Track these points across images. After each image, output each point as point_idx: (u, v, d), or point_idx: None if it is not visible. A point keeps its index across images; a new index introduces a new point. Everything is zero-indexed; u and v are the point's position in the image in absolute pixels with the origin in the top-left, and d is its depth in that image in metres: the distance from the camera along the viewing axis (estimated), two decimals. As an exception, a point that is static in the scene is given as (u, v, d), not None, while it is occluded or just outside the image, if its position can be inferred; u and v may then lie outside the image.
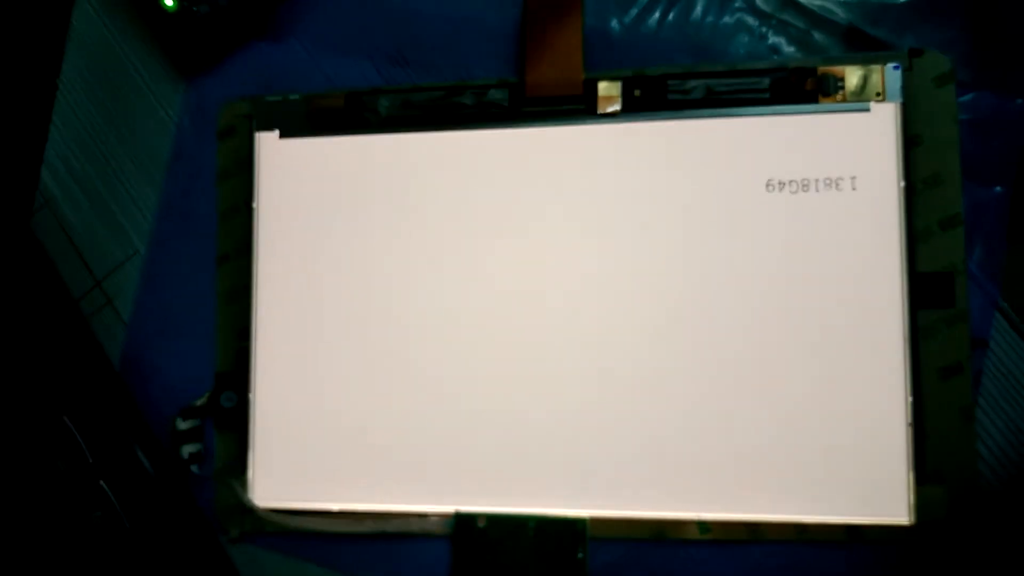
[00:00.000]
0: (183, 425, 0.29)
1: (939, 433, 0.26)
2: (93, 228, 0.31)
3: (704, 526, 0.26)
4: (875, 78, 0.27)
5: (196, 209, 0.30)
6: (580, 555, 0.26)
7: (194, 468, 0.29)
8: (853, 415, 0.26)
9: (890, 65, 0.27)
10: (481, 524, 0.27)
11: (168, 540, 0.28)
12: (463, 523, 0.27)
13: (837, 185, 0.27)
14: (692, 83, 0.28)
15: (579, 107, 0.28)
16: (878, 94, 0.27)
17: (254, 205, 0.30)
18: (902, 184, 0.26)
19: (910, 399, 0.26)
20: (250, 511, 0.28)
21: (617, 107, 0.28)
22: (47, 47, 0.32)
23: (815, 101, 0.27)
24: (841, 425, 0.26)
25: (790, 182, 0.27)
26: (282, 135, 0.30)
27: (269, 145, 0.30)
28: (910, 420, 0.25)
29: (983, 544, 0.25)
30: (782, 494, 0.26)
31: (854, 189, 0.27)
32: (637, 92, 0.28)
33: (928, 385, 0.26)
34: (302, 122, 0.30)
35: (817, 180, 0.27)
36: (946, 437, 0.26)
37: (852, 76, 0.27)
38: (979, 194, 0.26)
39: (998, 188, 0.26)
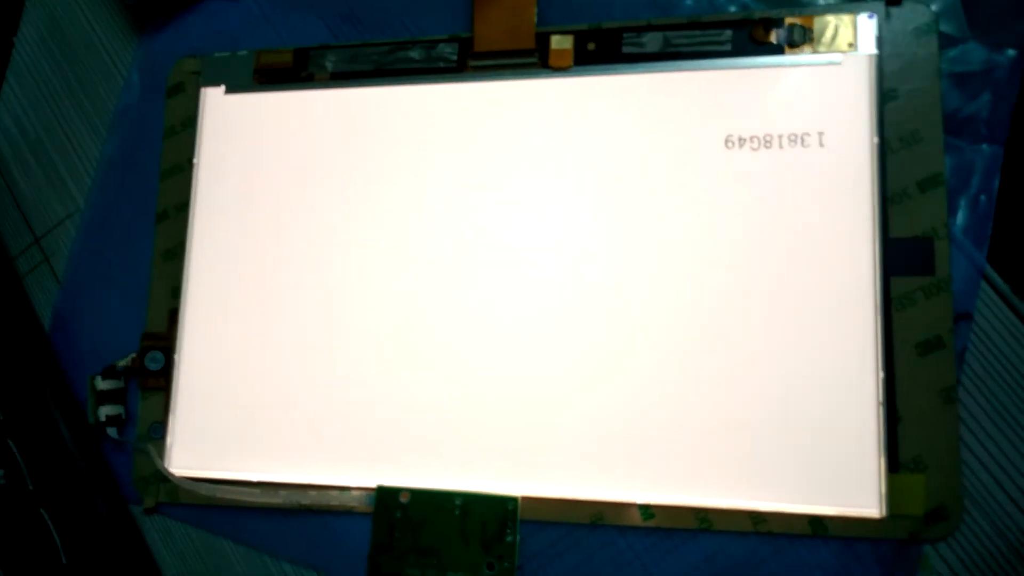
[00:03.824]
0: (103, 385, 0.27)
1: (916, 416, 0.23)
2: (38, 186, 0.31)
3: (647, 511, 0.24)
4: (847, 28, 0.25)
5: (139, 166, 0.29)
6: (509, 537, 0.24)
7: (111, 431, 0.27)
8: (817, 392, 0.23)
9: (864, 14, 0.25)
10: (404, 499, 0.24)
11: (74, 506, 0.26)
12: (385, 498, 0.25)
13: (803, 141, 0.24)
14: (648, 36, 0.26)
15: (531, 61, 0.27)
16: (850, 45, 0.25)
17: (195, 161, 0.29)
18: (875, 140, 0.24)
19: (882, 375, 0.23)
20: (167, 480, 0.26)
21: (570, 62, 0.26)
22: (6, 4, 0.32)
23: (781, 53, 0.25)
24: (804, 403, 0.23)
25: (751, 138, 0.25)
26: (228, 91, 0.29)
27: (214, 101, 0.29)
28: (882, 399, 0.23)
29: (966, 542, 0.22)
30: (736, 478, 0.23)
31: (821, 146, 0.24)
32: (591, 46, 0.26)
33: (903, 361, 0.23)
34: (249, 78, 0.29)
35: (780, 136, 0.25)
36: (924, 420, 0.23)
37: (822, 26, 0.25)
38: (965, 153, 0.24)
39: (985, 147, 0.24)
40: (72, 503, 0.26)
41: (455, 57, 0.27)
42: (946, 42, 0.25)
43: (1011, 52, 0.24)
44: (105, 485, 0.26)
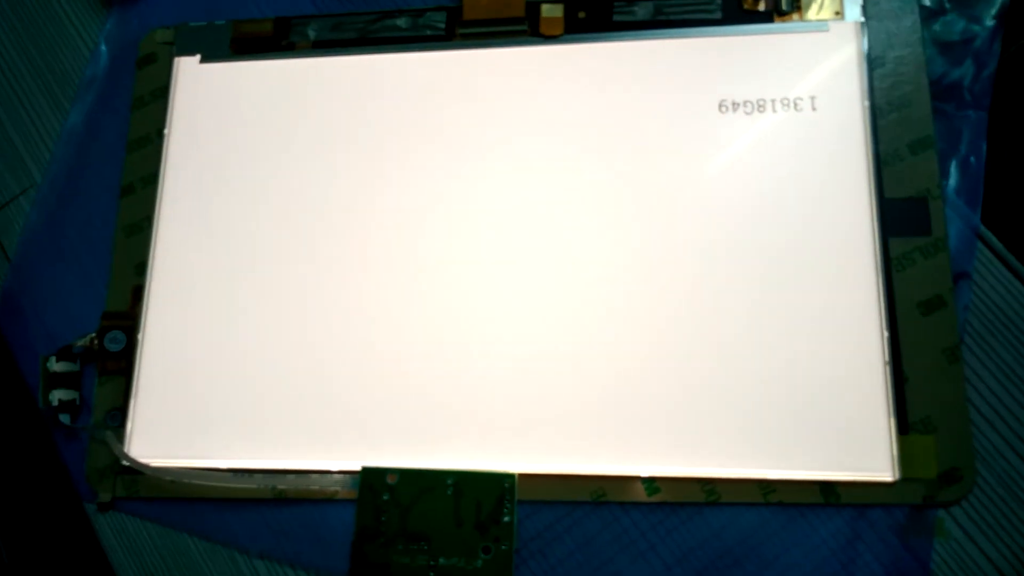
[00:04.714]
0: (56, 367, 0.25)
1: (922, 376, 0.22)
2: (-10, 161, 0.29)
3: (652, 485, 0.22)
4: (833, -2, 0.25)
5: (102, 140, 0.28)
6: (507, 518, 0.22)
7: (64, 418, 0.25)
8: (823, 355, 0.22)
9: (849, -15, 0.25)
10: (392, 481, 0.23)
11: (19, 500, 0.23)
12: (371, 479, 0.23)
13: (796, 105, 0.24)
14: (639, 4, 0.26)
15: (520, 29, 0.26)
16: (837, 13, 0.25)
17: (165, 132, 0.27)
18: (866, 103, 0.24)
19: (886, 334, 0.22)
20: (125, 471, 0.24)
21: (560, 30, 0.26)
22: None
23: (770, 21, 0.25)
24: (810, 367, 0.22)
25: (744, 103, 0.25)
26: (203, 60, 0.28)
27: (188, 70, 0.28)
28: (887, 358, 0.22)
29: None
30: (744, 447, 0.22)
31: (814, 109, 0.24)
32: (582, 14, 0.26)
33: (906, 321, 0.22)
34: (226, 49, 0.28)
35: (774, 100, 0.24)
36: (931, 381, 0.22)
37: (808, -4, 0.25)
38: (952, 118, 0.24)
39: (971, 112, 0.24)
40: (17, 496, 0.23)
41: (443, 25, 0.27)
42: (928, 13, 0.25)
43: (990, 23, 0.25)
44: (55, 477, 0.24)
